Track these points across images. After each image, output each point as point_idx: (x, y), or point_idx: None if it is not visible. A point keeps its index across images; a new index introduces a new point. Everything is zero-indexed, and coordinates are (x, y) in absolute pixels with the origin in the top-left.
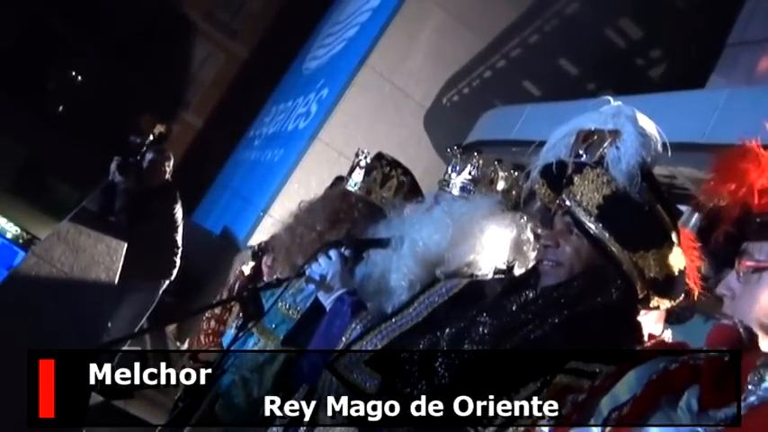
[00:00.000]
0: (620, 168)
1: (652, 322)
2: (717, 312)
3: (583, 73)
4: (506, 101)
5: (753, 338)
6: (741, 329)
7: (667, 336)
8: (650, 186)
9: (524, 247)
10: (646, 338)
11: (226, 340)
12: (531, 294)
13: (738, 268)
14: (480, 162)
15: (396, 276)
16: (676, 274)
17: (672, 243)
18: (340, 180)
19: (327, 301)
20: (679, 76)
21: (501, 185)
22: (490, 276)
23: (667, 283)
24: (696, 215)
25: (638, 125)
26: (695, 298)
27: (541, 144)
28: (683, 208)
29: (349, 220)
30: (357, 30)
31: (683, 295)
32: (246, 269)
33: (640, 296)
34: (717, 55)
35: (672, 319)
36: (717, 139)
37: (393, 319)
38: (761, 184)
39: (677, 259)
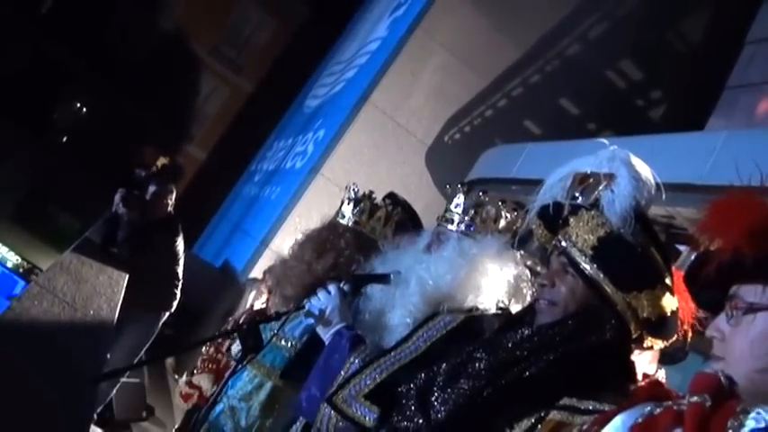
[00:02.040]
0: (614, 211)
1: (646, 362)
2: (702, 351)
3: (583, 113)
4: (507, 139)
5: (733, 386)
6: (722, 377)
7: (661, 375)
8: (644, 229)
9: (522, 285)
10: (639, 378)
11: None
12: (526, 332)
13: (728, 311)
14: (485, 199)
15: (401, 313)
16: (669, 314)
17: (665, 285)
18: None
19: (326, 335)
20: (678, 118)
21: (502, 224)
22: (490, 312)
23: (660, 324)
24: (694, 255)
25: (632, 169)
26: (689, 339)
27: (541, 183)
28: (681, 248)
29: (335, 249)
30: (356, 71)
31: (675, 336)
32: (257, 303)
33: (634, 336)
34: (716, 97)
35: (666, 359)
36: (714, 181)
37: (392, 353)
38: (754, 226)
39: (670, 300)
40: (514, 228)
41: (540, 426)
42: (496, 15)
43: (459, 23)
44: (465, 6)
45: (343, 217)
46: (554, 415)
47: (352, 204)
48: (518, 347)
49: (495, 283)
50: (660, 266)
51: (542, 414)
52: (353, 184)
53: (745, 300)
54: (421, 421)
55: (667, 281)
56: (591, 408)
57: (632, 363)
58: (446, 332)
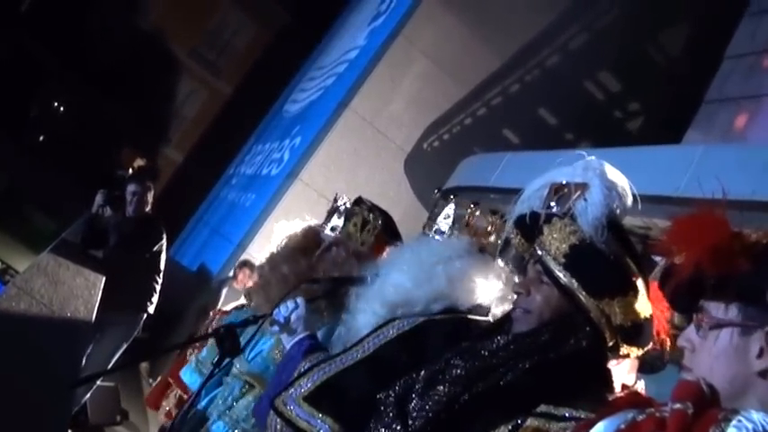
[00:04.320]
0: (586, 219)
1: (625, 372)
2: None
3: (562, 123)
4: (486, 148)
5: (714, 394)
6: (704, 385)
7: (640, 386)
8: (617, 237)
9: (505, 293)
10: (619, 388)
11: (186, 375)
12: (503, 340)
13: (697, 322)
14: (475, 211)
15: (364, 316)
16: (642, 321)
17: (637, 291)
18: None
19: (289, 344)
20: (656, 130)
21: (492, 238)
22: (451, 316)
23: (634, 331)
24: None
25: (605, 178)
26: (667, 348)
27: (520, 192)
28: (657, 259)
29: (329, 261)
30: (335, 79)
31: (651, 343)
32: (228, 307)
33: (610, 344)
34: (694, 110)
35: (645, 368)
36: (691, 194)
37: (339, 357)
38: (715, 245)
39: (643, 307)
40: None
41: None
42: (478, 25)
43: (441, 32)
44: (447, 15)
45: (334, 229)
46: (531, 422)
47: (343, 217)
48: (494, 355)
49: (460, 286)
50: (632, 274)
51: (519, 421)
52: (344, 196)
53: (711, 314)
54: (399, 428)
55: (640, 288)
56: (567, 414)
57: (608, 370)
58: (396, 336)
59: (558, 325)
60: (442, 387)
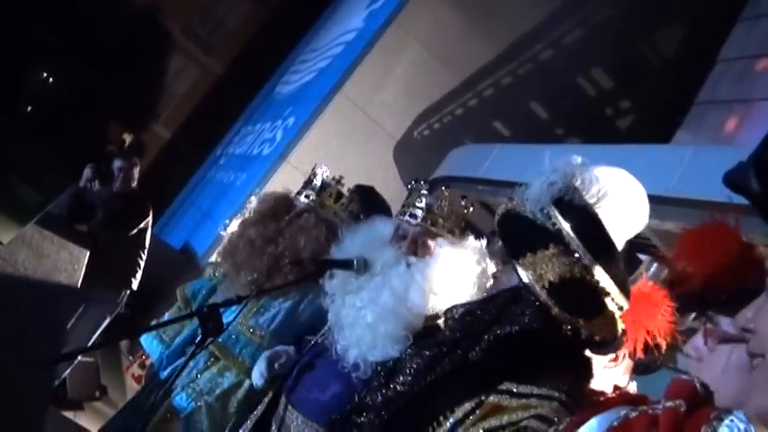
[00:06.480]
0: (528, 195)
1: (619, 373)
2: (672, 363)
3: (552, 117)
4: (476, 139)
5: (708, 393)
6: (697, 384)
7: (632, 388)
8: (562, 212)
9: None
10: (611, 389)
11: (146, 341)
12: (458, 312)
13: (705, 332)
14: (446, 194)
15: (344, 313)
16: (557, 282)
17: (553, 250)
18: None
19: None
20: (646, 129)
21: (453, 219)
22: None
23: (561, 290)
24: (655, 265)
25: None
26: (662, 350)
27: (508, 184)
28: (642, 257)
29: (311, 238)
30: (330, 61)
31: (596, 314)
32: None
33: (567, 327)
34: (684, 112)
35: (639, 369)
36: (681, 194)
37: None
38: (728, 262)
39: (559, 267)
40: (464, 221)
41: (478, 411)
42: (473, 15)
43: (436, 20)
44: (442, 3)
45: (308, 197)
46: (492, 398)
47: (318, 187)
48: (455, 330)
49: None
50: (549, 233)
51: (482, 398)
52: (323, 166)
53: (721, 328)
54: (380, 397)
55: (561, 248)
56: (527, 392)
57: (583, 355)
58: None
59: (506, 295)
60: (418, 361)
